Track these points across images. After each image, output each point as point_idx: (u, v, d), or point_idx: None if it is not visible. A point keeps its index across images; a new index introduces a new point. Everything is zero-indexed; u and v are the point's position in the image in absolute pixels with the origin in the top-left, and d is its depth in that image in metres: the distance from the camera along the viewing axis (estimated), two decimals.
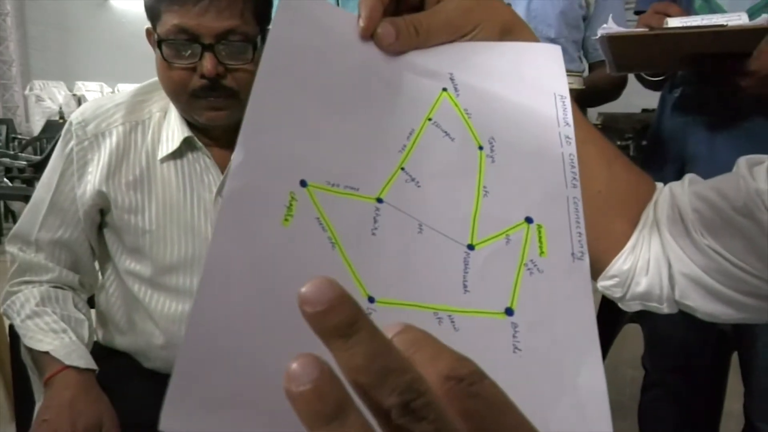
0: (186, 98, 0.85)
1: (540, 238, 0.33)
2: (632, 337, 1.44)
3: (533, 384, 0.30)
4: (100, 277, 1.02)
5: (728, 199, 0.43)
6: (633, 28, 1.08)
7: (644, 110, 3.38)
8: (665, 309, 0.47)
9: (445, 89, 0.36)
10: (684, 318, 0.55)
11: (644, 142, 1.92)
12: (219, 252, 0.26)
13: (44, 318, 0.89)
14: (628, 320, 1.57)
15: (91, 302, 1.04)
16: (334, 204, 0.30)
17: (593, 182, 0.46)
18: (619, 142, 2.76)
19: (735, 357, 1.28)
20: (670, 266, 0.45)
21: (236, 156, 0.28)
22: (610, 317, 1.34)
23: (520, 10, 1.50)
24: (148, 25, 0.87)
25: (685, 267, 0.44)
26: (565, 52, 1.52)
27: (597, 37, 1.02)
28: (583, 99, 1.49)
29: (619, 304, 0.50)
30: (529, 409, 0.19)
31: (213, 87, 0.82)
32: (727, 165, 0.47)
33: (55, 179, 0.92)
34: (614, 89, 1.54)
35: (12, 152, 2.93)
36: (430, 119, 0.35)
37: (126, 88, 1.00)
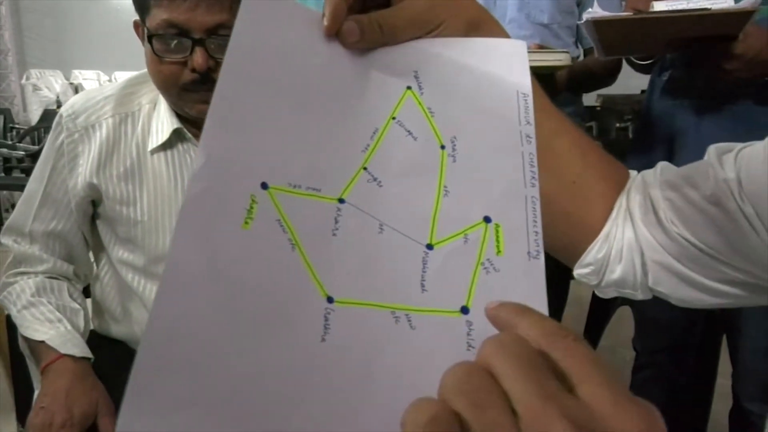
0: (176, 91, 0.86)
1: (497, 237, 0.33)
2: (629, 319, 1.46)
3: None
4: (94, 267, 1.04)
5: (697, 188, 0.43)
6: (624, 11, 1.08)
7: (643, 92, 3.34)
8: (639, 295, 0.48)
9: (409, 87, 0.36)
10: None
11: None
12: (178, 256, 0.27)
13: (40, 308, 0.90)
14: (621, 303, 1.59)
15: (87, 292, 1.06)
16: (296, 205, 0.30)
17: (567, 173, 0.46)
18: (618, 124, 2.75)
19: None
20: (642, 254, 0.46)
21: (197, 160, 0.29)
22: (603, 301, 1.35)
23: None
24: (136, 17, 0.88)
25: (657, 255, 0.45)
26: (558, 37, 1.52)
27: (582, 21, 1.02)
28: (576, 84, 1.49)
29: (596, 291, 0.51)
30: None
31: (204, 80, 0.83)
32: None
33: (47, 172, 0.93)
34: (608, 74, 1.53)
35: (10, 142, 2.92)
36: (394, 118, 0.35)
37: (123, 77, 1.00)
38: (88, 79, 5.03)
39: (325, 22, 0.36)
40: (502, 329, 0.24)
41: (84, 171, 0.92)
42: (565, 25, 1.54)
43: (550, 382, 0.20)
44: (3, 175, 2.59)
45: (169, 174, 0.93)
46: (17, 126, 4.00)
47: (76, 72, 5.03)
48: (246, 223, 0.29)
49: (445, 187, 0.34)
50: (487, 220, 0.34)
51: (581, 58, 1.59)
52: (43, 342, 0.86)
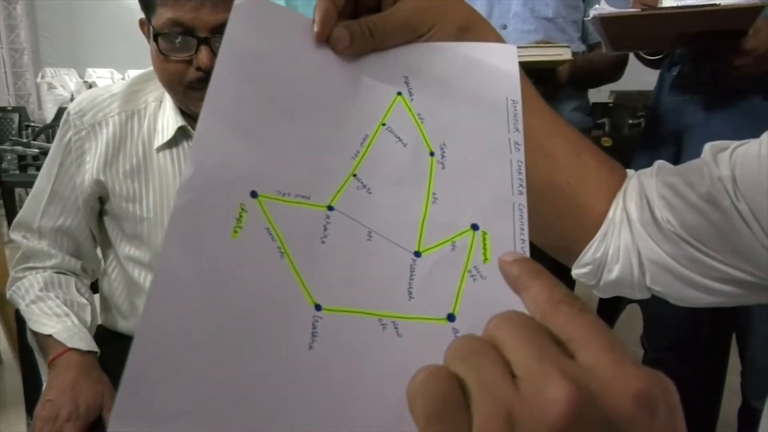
0: (182, 90, 0.86)
1: (485, 244, 0.33)
2: (638, 317, 1.44)
3: None
4: (102, 263, 1.05)
5: (693, 186, 0.43)
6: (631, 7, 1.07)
7: None
8: (637, 294, 0.48)
9: (399, 93, 0.36)
10: None
11: None
12: (167, 265, 0.27)
13: (47, 302, 0.92)
14: (629, 301, 1.58)
15: (95, 288, 1.07)
16: (285, 213, 0.30)
17: (562, 174, 0.46)
18: (631, 121, 2.72)
19: None
20: (639, 253, 0.45)
21: (187, 170, 0.29)
22: (611, 299, 1.34)
23: None
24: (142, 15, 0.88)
25: (653, 254, 0.44)
26: (563, 32, 1.51)
27: (589, 18, 1.01)
28: (579, 79, 1.48)
29: (594, 291, 0.51)
30: None
31: (208, 79, 0.83)
32: None
33: (55, 169, 0.95)
34: (613, 70, 1.51)
35: (25, 140, 2.96)
36: (383, 124, 0.35)
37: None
38: (102, 77, 5.08)
39: (316, 29, 0.35)
40: (511, 285, 0.25)
41: (91, 168, 0.93)
42: (571, 20, 1.52)
43: (550, 346, 0.20)
44: (18, 172, 2.63)
45: (174, 171, 0.93)
46: (32, 124, 4.06)
47: (90, 70, 5.09)
48: (235, 232, 0.29)
49: (433, 194, 0.34)
50: (474, 227, 0.34)
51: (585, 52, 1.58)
52: (50, 336, 0.87)
